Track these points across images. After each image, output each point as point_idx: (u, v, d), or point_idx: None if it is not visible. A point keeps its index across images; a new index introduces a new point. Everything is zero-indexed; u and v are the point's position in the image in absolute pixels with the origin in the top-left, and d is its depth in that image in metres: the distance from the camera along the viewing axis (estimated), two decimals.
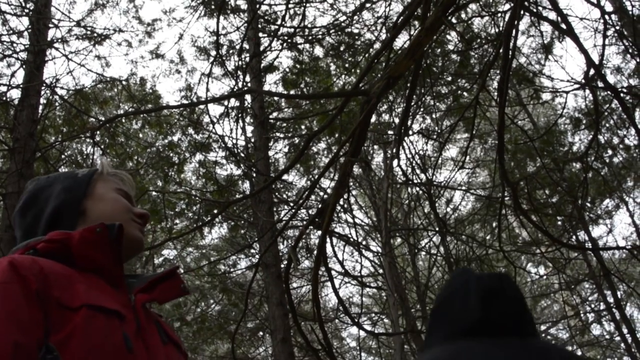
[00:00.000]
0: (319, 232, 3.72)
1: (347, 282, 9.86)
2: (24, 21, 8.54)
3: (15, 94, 9.06)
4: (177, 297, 1.30)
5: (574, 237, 10.16)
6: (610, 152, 9.58)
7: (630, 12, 7.19)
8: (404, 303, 8.88)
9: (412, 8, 4.04)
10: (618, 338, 11.00)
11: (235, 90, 7.57)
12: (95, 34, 8.27)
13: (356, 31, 8.75)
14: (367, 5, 8.29)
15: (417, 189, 8.42)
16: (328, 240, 3.64)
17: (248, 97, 8.42)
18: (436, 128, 8.98)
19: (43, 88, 6.89)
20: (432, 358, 0.94)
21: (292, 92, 9.07)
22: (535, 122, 12.11)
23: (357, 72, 8.37)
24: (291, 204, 8.90)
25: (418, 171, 7.30)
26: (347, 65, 8.97)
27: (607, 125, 9.08)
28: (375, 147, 10.42)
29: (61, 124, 8.33)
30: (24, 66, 6.86)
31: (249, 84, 8.08)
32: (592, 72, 4.71)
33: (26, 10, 7.47)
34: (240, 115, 7.94)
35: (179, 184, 9.64)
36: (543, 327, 13.34)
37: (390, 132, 9.05)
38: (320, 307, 3.67)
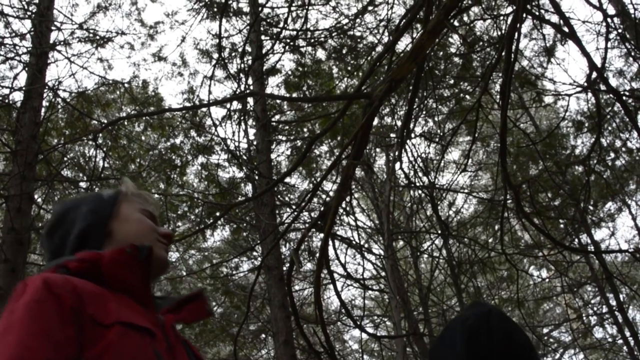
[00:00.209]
0: (322, 235, 3.72)
1: (350, 284, 9.88)
2: (27, 24, 8.58)
3: (18, 96, 9.06)
4: (202, 319, 1.33)
5: (576, 240, 10.16)
6: (612, 155, 9.58)
7: (633, 15, 7.18)
8: (406, 306, 8.88)
9: (415, 11, 4.05)
10: (620, 341, 10.97)
11: (237, 93, 7.58)
12: (97, 37, 8.28)
13: (358, 34, 8.77)
14: (370, 8, 8.30)
15: (420, 191, 8.42)
16: (330, 242, 3.64)
17: (250, 100, 8.42)
18: (438, 131, 8.97)
19: (45, 90, 6.88)
20: None
21: (294, 95, 9.08)
22: (538, 125, 12.11)
23: (360, 75, 8.36)
24: (293, 207, 8.91)
25: (420, 174, 7.31)
26: (349, 68, 8.98)
27: (610, 128, 9.08)
28: (378, 150, 10.43)
29: (63, 126, 8.33)
30: (26, 69, 6.85)
31: (251, 87, 8.08)
32: (594, 75, 4.71)
33: (29, 13, 7.47)
34: (242, 117, 7.93)
35: (182, 186, 9.64)
36: (545, 330, 13.33)
37: (392, 135, 9.06)
38: (323, 310, 3.66)
